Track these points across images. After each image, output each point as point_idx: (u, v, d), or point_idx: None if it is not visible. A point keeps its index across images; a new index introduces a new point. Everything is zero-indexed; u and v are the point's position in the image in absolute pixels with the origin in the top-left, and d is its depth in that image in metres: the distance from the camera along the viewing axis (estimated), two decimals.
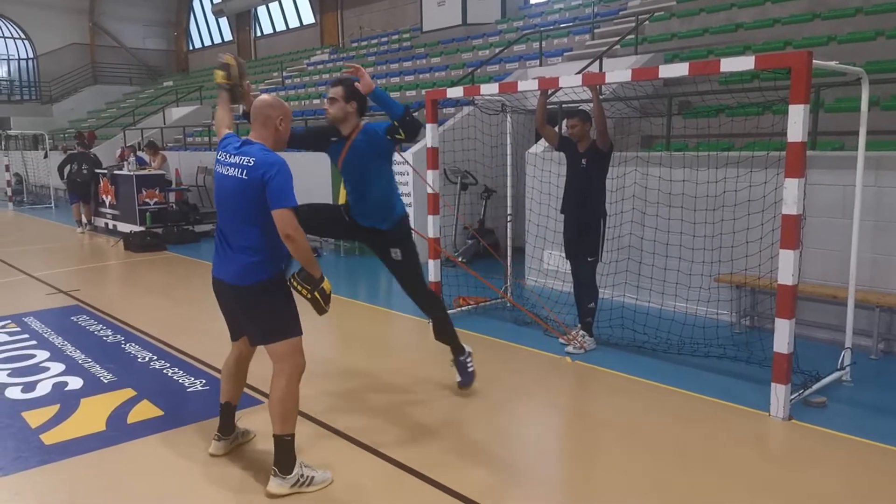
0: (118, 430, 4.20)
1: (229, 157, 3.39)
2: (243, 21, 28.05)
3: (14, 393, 4.80)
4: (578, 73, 8.45)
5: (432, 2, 16.75)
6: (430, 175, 6.45)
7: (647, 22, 10.88)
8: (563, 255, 5.95)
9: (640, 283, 6.64)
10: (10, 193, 19.53)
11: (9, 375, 5.15)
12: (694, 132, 7.27)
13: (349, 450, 3.94)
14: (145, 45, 30.96)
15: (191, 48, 31.84)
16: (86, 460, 3.82)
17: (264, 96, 3.50)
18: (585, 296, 5.72)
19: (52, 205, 18.47)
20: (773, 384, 4.31)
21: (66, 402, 4.63)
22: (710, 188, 6.17)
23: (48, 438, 4.07)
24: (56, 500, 3.47)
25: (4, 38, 28.49)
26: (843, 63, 4.77)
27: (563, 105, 7.66)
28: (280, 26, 26.67)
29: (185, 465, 3.73)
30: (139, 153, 13.71)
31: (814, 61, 4.08)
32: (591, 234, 5.63)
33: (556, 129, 6.66)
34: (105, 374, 5.18)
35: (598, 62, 9.34)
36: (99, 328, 6.45)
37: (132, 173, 12.25)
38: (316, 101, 16.12)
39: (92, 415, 4.41)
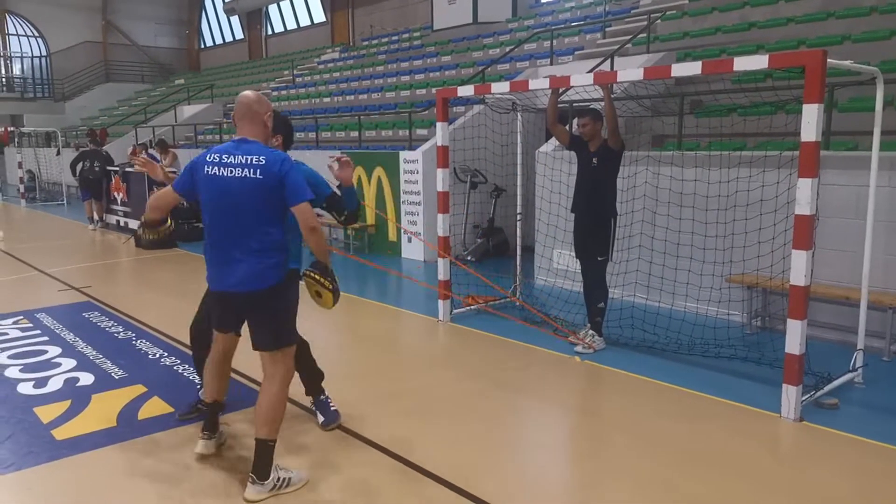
0: (129, 426, 4.22)
1: (226, 157, 3.24)
2: (254, 19, 28.14)
3: (26, 388, 4.83)
4: (590, 71, 8.42)
5: (443, 0, 16.73)
6: (441, 173, 6.45)
7: (658, 20, 10.82)
8: (573, 254, 5.93)
9: (651, 282, 6.61)
10: (22, 190, 19.68)
11: (21, 371, 5.18)
12: (706, 131, 7.22)
13: (359, 448, 3.94)
14: (157, 42, 31.11)
15: (202, 46, 31.97)
16: (97, 456, 3.84)
17: (247, 92, 3.39)
18: (595, 295, 5.70)
19: (65, 202, 18.59)
20: (784, 385, 4.28)
21: (77, 397, 4.66)
22: (722, 188, 6.13)
23: (59, 434, 4.10)
24: (67, 495, 3.49)
25: (18, 35, 28.70)
26: (858, 62, 4.73)
27: (574, 104, 7.63)
28: (291, 24, 26.74)
29: (196, 462, 3.74)
30: (150, 151, 13.78)
31: (828, 60, 4.04)
32: (602, 233, 5.61)
33: (567, 127, 6.64)
34: (116, 370, 5.21)
35: (609, 61, 9.30)
36: (110, 324, 6.48)
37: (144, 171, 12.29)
38: (326, 100, 16.15)
39: (103, 411, 4.43)
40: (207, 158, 3.31)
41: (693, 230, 6.27)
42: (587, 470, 3.80)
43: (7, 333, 6.18)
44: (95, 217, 13.62)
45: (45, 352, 5.65)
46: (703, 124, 7.40)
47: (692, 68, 4.69)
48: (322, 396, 4.31)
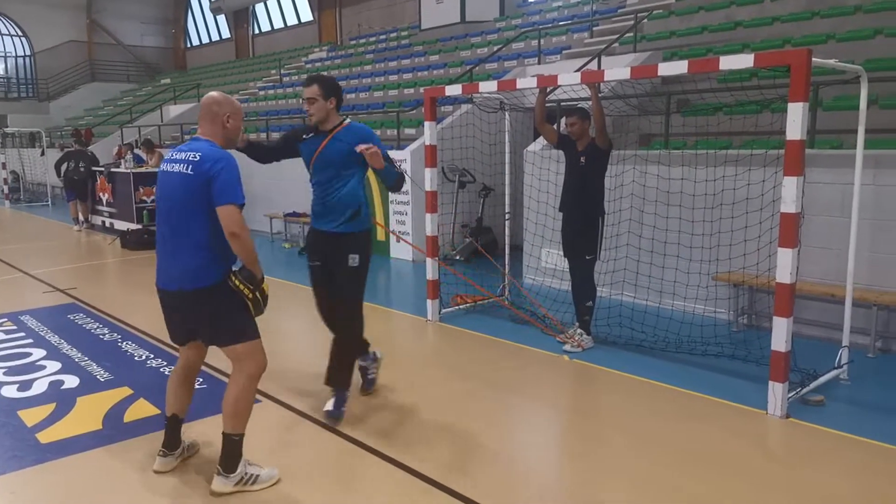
0: (115, 428, 4.18)
1: (176, 154, 3.32)
2: (241, 18, 28.00)
3: (10, 391, 4.78)
4: (577, 70, 8.44)
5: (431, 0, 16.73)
6: (429, 173, 6.44)
7: (645, 20, 10.86)
8: (562, 253, 5.94)
9: (639, 281, 6.63)
10: (6, 191, 19.48)
11: (5, 374, 5.13)
12: (693, 130, 7.26)
13: (348, 449, 3.92)
14: (143, 42, 30.88)
15: (189, 45, 31.77)
16: (82, 459, 3.80)
17: (212, 93, 3.44)
18: (583, 294, 5.72)
19: (49, 202, 18.43)
20: (770, 382, 4.31)
21: (62, 400, 4.61)
22: (709, 186, 6.16)
23: (44, 437, 4.05)
24: (52, 499, 3.45)
25: (2, 35, 28.40)
26: (842, 61, 4.76)
27: (562, 103, 7.65)
28: (278, 24, 26.62)
29: (182, 464, 3.71)
30: (136, 151, 13.68)
31: (813, 59, 4.07)
32: (590, 232, 5.62)
33: (555, 127, 6.65)
34: (101, 372, 5.16)
35: (596, 60, 9.33)
36: (95, 326, 6.43)
37: (129, 171, 12.22)
38: None
39: (88, 413, 4.40)
40: (165, 157, 3.40)
41: (680, 228, 6.30)
42: (577, 469, 3.80)
43: None
44: (81, 218, 13.51)
45: (30, 354, 5.59)
46: (689, 123, 7.43)
47: (678, 67, 4.71)
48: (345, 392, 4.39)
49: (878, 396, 4.70)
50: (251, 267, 3.25)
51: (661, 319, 6.06)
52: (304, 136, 4.39)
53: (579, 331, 5.71)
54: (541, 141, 7.98)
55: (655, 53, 9.48)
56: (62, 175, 13.56)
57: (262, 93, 19.20)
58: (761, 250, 5.51)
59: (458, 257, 9.45)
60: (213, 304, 3.29)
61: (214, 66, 27.31)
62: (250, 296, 3.26)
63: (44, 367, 5.27)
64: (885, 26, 7.71)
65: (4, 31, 28.43)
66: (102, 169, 13.23)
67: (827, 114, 6.65)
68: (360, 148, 4.05)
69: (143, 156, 13.44)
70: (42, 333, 6.17)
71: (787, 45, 8.13)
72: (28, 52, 28.61)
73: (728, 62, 4.38)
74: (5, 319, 6.65)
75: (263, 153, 4.61)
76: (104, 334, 6.18)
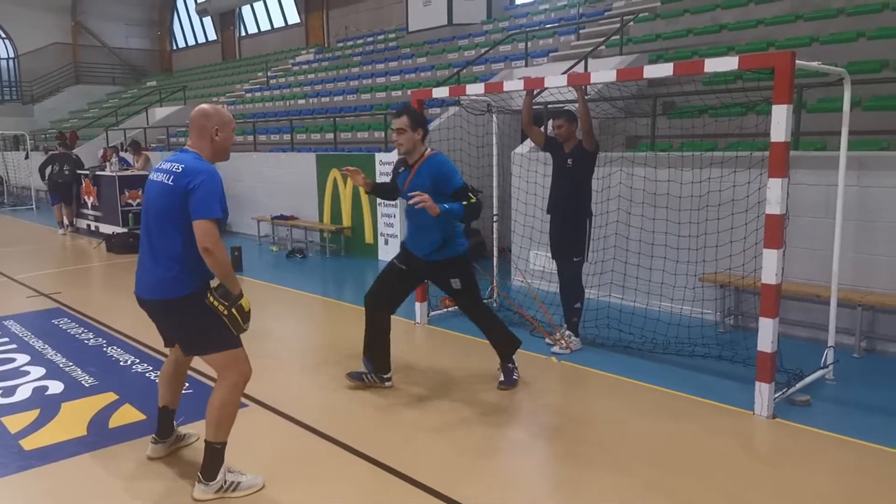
0: (100, 434, 4.14)
1: (163, 164, 3.34)
2: (228, 20, 27.87)
3: None
4: (564, 73, 8.47)
5: (418, 2, 16.73)
6: None
7: (631, 23, 10.92)
8: (549, 255, 5.95)
9: (626, 282, 6.66)
10: None
11: None
12: (678, 132, 7.29)
13: (337, 454, 3.91)
14: (128, 44, 30.67)
15: (175, 47, 31.59)
16: (66, 466, 3.76)
17: (203, 106, 3.44)
18: (571, 296, 5.73)
19: (34, 206, 18.25)
20: (757, 383, 4.33)
21: (46, 406, 4.56)
22: (695, 188, 6.19)
23: (28, 444, 4.01)
24: None
25: None
26: (826, 63, 4.80)
27: (549, 105, 7.67)
28: (265, 26, 26.52)
29: (168, 471, 3.68)
30: (122, 154, 13.58)
31: (797, 62, 4.11)
32: (577, 234, 5.64)
33: (542, 129, 6.67)
34: (86, 377, 5.11)
35: (583, 62, 9.36)
36: (80, 331, 6.36)
37: (115, 174, 12.13)
38: (301, 102, 16.04)
39: (73, 419, 4.35)
40: (155, 165, 3.44)
41: (667, 230, 6.33)
42: (565, 470, 3.80)
43: None
44: (65, 221, 13.39)
45: (13, 360, 5.53)
46: (675, 125, 7.47)
47: (664, 70, 4.73)
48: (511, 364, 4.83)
49: (863, 396, 4.74)
50: (226, 283, 3.21)
51: (649, 321, 6.08)
52: (399, 170, 4.74)
53: (567, 332, 5.72)
54: (528, 143, 7.99)
55: (641, 56, 9.53)
56: (46, 178, 13.44)
57: (248, 95, 19.13)
58: (747, 251, 5.54)
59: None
60: (186, 314, 3.29)
61: (200, 68, 27.17)
62: (225, 313, 3.22)
63: (28, 373, 5.21)
64: (868, 29, 7.79)
65: None
66: (87, 172, 13.12)
67: (811, 116, 6.71)
68: (411, 200, 4.27)
69: (129, 158, 13.34)
70: (26, 339, 6.10)
71: (771, 47, 8.20)
72: (12, 55, 28.33)
73: (713, 65, 4.41)
74: None
75: (389, 191, 5.00)
76: (89, 339, 6.12)
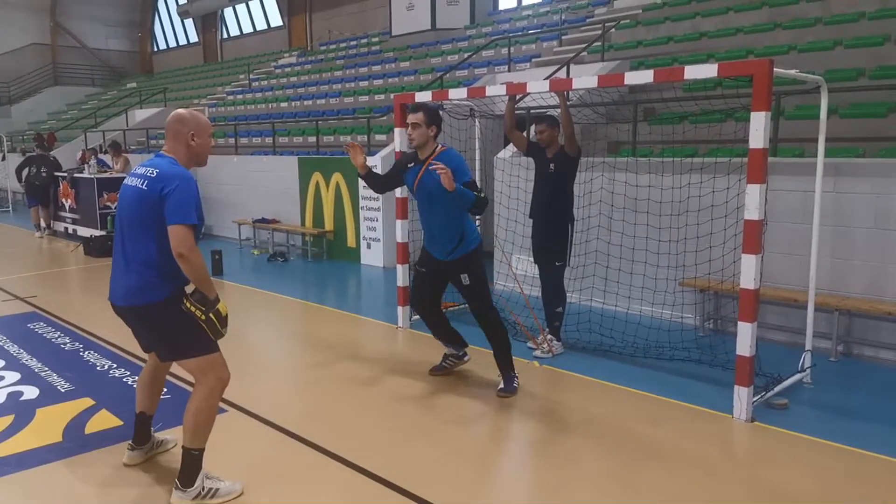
0: (76, 440, 4.08)
1: (139, 168, 3.32)
2: (209, 22, 27.67)
3: None
4: (546, 78, 8.50)
5: (401, 6, 16.73)
6: None
7: (613, 29, 11.01)
8: (532, 259, 5.96)
9: (607, 287, 6.69)
10: None
11: None
12: (659, 139, 7.36)
13: (317, 459, 3.88)
14: (108, 45, 30.32)
15: (155, 49, 31.29)
16: (42, 472, 3.70)
17: (179, 110, 3.42)
18: (553, 300, 5.75)
19: (10, 208, 17.97)
20: (736, 386, 4.37)
21: (21, 412, 4.48)
22: (675, 194, 6.25)
23: (2, 450, 3.93)
24: None
25: None
26: (803, 71, 4.87)
27: (532, 110, 7.70)
28: (247, 28, 26.36)
29: (145, 477, 3.63)
30: (101, 156, 13.42)
31: (775, 69, 4.16)
32: (559, 238, 5.66)
33: (525, 134, 6.69)
34: (62, 382, 5.04)
35: (565, 68, 9.42)
36: (56, 335, 6.27)
37: (93, 176, 11.98)
38: (284, 105, 15.97)
39: (48, 425, 4.28)
40: (131, 170, 3.40)
41: (647, 235, 6.37)
42: (545, 472, 3.81)
43: None
44: (42, 224, 13.21)
45: None
46: (655, 132, 7.54)
47: (645, 76, 4.77)
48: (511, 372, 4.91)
49: (840, 399, 4.80)
50: (202, 289, 3.19)
51: (630, 325, 6.12)
52: (408, 165, 4.82)
53: (549, 336, 5.74)
54: (511, 148, 8.02)
55: (623, 62, 9.61)
56: (23, 180, 13.24)
57: (230, 98, 19.00)
58: (726, 256, 5.60)
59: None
60: (160, 320, 3.27)
61: (181, 70, 26.95)
62: (203, 318, 3.20)
63: (2, 378, 5.12)
64: (845, 38, 7.92)
65: None
66: (65, 174, 12.95)
67: (789, 123, 6.80)
68: (435, 165, 4.38)
69: (108, 160, 13.19)
70: (0, 343, 6.00)
71: (750, 55, 8.30)
72: None
73: (693, 72, 4.45)
74: None
75: (380, 183, 5.12)
76: (65, 343, 6.03)
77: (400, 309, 6.51)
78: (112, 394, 4.82)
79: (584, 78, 5.19)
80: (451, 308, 7.01)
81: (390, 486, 3.54)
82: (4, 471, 3.69)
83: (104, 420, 4.37)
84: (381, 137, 11.01)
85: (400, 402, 4.72)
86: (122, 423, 4.30)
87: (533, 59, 11.67)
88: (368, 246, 9.82)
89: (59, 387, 4.95)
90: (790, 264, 5.81)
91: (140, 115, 19.70)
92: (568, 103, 5.65)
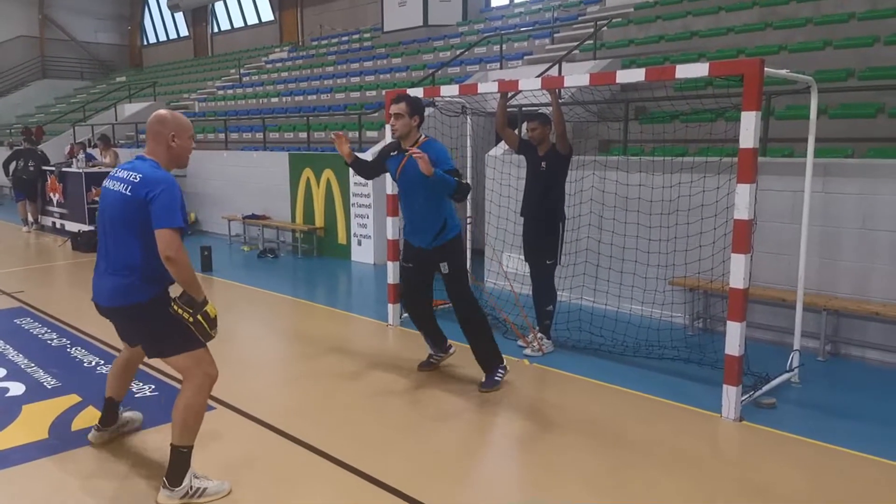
0: (62, 437, 4.04)
1: (119, 171, 3.32)
2: (200, 16, 27.48)
3: None
4: (538, 76, 8.50)
5: (393, 2, 16.67)
6: (390, 176, 6.38)
7: (605, 28, 11.02)
8: (522, 257, 5.96)
9: (598, 285, 6.71)
10: None
11: None
12: (650, 137, 7.37)
13: (305, 456, 3.86)
14: (97, 38, 30.04)
15: (145, 43, 31.05)
16: (27, 470, 3.66)
17: (161, 111, 3.43)
18: (544, 298, 5.75)
19: None
20: (724, 386, 4.39)
21: (6, 409, 4.44)
22: (665, 192, 6.26)
23: None
24: None
25: None
26: (794, 72, 4.88)
27: (523, 108, 7.69)
28: (238, 22, 26.20)
29: (132, 473, 3.61)
30: (89, 150, 13.31)
31: (765, 69, 4.17)
32: (550, 236, 5.66)
33: (516, 132, 6.68)
34: (49, 379, 4.99)
35: (557, 66, 9.41)
36: (43, 331, 6.22)
37: (81, 170, 11.89)
38: (274, 100, 15.89)
39: (34, 422, 4.24)
40: (111, 172, 3.43)
41: (638, 234, 6.39)
42: (535, 472, 3.81)
43: None
44: (30, 219, 13.09)
45: None
46: (647, 130, 7.55)
47: (636, 75, 4.77)
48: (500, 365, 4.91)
49: (827, 399, 4.83)
50: (190, 291, 3.21)
51: (620, 323, 6.13)
52: (391, 154, 4.83)
53: (539, 335, 5.74)
54: (502, 145, 8.01)
55: (615, 61, 9.62)
56: (10, 174, 13.12)
57: (220, 92, 18.89)
58: (715, 256, 5.62)
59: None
60: (145, 320, 3.30)
61: (171, 64, 26.77)
62: (190, 320, 3.21)
63: None
64: (835, 38, 7.96)
65: None
66: (53, 168, 12.84)
67: (779, 123, 6.83)
68: (411, 150, 4.42)
69: (97, 154, 13.08)
70: None
71: (740, 54, 8.33)
72: None
73: (684, 70, 4.46)
74: None
75: (367, 169, 5.17)
76: (52, 339, 5.98)
77: (390, 306, 6.50)
78: (99, 390, 4.71)
79: (577, 76, 5.19)
80: (441, 306, 7.01)
81: (379, 484, 3.53)
82: None
83: (91, 417, 4.31)
84: (372, 134, 10.98)
85: (389, 400, 4.71)
86: None
87: (525, 57, 11.67)
88: (359, 243, 9.80)
89: (45, 383, 4.91)
90: (779, 264, 5.84)
91: (129, 109, 19.55)
92: (560, 101, 5.64)
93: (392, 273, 6.45)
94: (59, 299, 7.74)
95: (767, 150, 6.34)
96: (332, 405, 4.64)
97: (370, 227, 9.57)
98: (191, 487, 3.31)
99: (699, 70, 4.43)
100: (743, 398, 4.44)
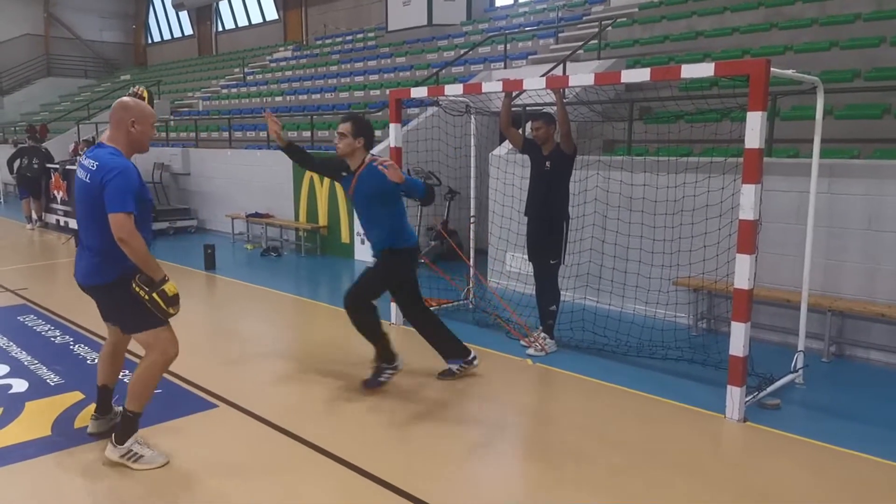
0: (64, 434, 4.04)
1: (84, 159, 3.51)
2: (204, 15, 27.53)
3: None
4: (542, 76, 8.49)
5: (398, 1, 16.67)
6: None
7: (609, 28, 11.00)
8: (526, 257, 5.95)
9: (602, 285, 6.69)
10: None
11: None
12: (654, 137, 7.35)
13: (306, 454, 3.86)
14: (102, 37, 30.11)
15: (150, 41, 31.11)
16: (28, 467, 3.66)
17: (124, 98, 3.62)
18: (547, 298, 5.74)
19: (2, 200, 17.85)
20: (728, 387, 4.37)
21: (9, 405, 4.44)
22: (670, 193, 6.24)
23: None
24: None
25: None
26: (799, 72, 4.87)
27: (528, 108, 7.68)
28: (242, 22, 26.24)
29: (133, 471, 3.60)
30: None
31: (771, 69, 4.15)
32: (554, 236, 5.65)
33: (521, 131, 6.67)
34: (52, 376, 5.00)
35: (561, 66, 9.40)
36: (47, 328, 6.22)
37: None
38: (278, 99, 15.90)
39: (37, 419, 4.24)
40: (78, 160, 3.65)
41: (642, 234, 6.37)
42: (537, 471, 3.80)
43: None
44: (34, 216, 13.12)
45: None
46: (651, 130, 7.54)
47: (641, 74, 4.76)
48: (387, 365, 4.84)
49: (832, 400, 4.81)
50: (147, 270, 3.41)
51: (623, 323, 6.12)
52: (343, 173, 4.86)
53: (543, 335, 5.73)
54: (506, 145, 8.00)
55: (619, 61, 9.60)
56: (15, 172, 13.15)
57: (224, 91, 18.91)
58: (720, 256, 5.60)
59: (421, 260, 9.40)
60: (113, 298, 3.55)
61: (176, 62, 26.81)
62: (146, 298, 3.41)
63: None
64: (841, 39, 7.93)
65: None
66: (57, 166, 12.86)
67: (784, 123, 6.81)
68: (379, 162, 4.43)
69: None
70: None
71: (746, 55, 8.30)
72: None
73: (689, 70, 4.44)
74: None
75: (303, 158, 5.12)
76: (55, 336, 5.98)
77: (393, 306, 6.49)
78: None
79: (581, 75, 5.18)
80: (444, 305, 7.00)
81: (380, 481, 3.52)
82: None
83: None
84: (375, 133, 10.95)
85: (391, 398, 4.70)
86: None
87: (529, 57, 11.65)
88: (362, 241, 9.78)
89: (48, 380, 4.91)
90: (784, 265, 5.82)
91: None
92: (564, 101, 5.63)
93: None
94: (63, 296, 7.74)
95: (773, 150, 6.31)
96: (334, 403, 4.63)
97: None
98: (130, 451, 3.59)
99: (704, 70, 4.41)
100: (747, 399, 4.42)
